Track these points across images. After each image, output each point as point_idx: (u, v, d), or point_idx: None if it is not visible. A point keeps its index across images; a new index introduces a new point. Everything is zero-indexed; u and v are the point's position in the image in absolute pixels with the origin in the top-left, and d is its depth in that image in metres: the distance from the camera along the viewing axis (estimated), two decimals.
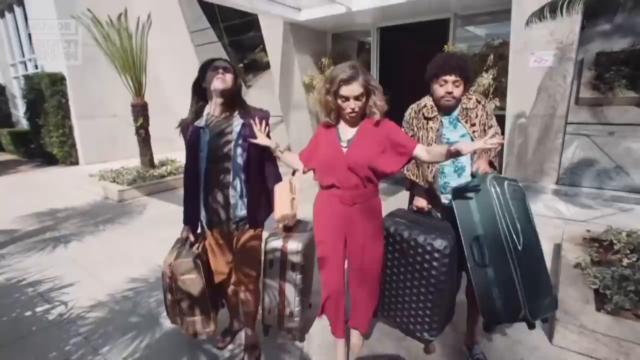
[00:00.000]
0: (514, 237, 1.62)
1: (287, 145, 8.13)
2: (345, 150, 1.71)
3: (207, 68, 1.74)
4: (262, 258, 2.02)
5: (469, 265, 1.67)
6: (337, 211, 1.77)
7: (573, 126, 5.85)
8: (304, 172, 1.87)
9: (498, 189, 1.64)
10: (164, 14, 5.96)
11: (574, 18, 3.88)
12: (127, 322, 2.41)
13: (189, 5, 8.82)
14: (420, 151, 1.68)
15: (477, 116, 1.88)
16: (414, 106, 2.00)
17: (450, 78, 1.77)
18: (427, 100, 1.95)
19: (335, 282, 1.83)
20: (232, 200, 1.82)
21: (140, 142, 6.25)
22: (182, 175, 1.93)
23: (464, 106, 1.89)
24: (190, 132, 1.80)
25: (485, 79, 5.32)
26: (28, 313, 2.53)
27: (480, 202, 1.66)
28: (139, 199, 5.49)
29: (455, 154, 1.56)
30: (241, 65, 9.59)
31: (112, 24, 5.61)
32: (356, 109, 1.64)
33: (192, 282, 1.90)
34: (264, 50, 8.62)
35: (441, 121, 1.90)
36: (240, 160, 1.80)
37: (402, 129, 1.97)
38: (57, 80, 8.10)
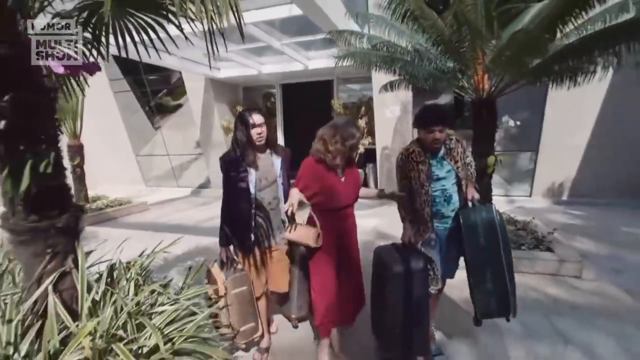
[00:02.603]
0: (508, 253, 1.90)
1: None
2: (342, 179, 2.13)
3: (248, 121, 2.05)
4: (297, 265, 2.23)
5: (472, 286, 1.97)
6: (335, 225, 2.12)
7: None
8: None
9: (498, 216, 1.98)
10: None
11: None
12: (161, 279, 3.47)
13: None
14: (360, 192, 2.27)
15: (457, 153, 2.13)
16: (403, 151, 2.19)
17: (437, 128, 2.00)
18: (414, 146, 2.15)
19: (332, 286, 2.12)
20: (284, 221, 2.19)
21: (76, 180, 6.80)
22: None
23: (447, 146, 2.13)
24: (238, 167, 2.10)
25: (361, 123, 7.63)
26: None
27: (487, 229, 1.95)
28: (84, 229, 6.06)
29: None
30: (147, 108, 10.46)
31: None
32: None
33: (245, 294, 2.09)
34: (168, 94, 9.76)
35: (430, 163, 2.12)
36: (282, 189, 2.20)
37: (396, 172, 2.31)
38: None
